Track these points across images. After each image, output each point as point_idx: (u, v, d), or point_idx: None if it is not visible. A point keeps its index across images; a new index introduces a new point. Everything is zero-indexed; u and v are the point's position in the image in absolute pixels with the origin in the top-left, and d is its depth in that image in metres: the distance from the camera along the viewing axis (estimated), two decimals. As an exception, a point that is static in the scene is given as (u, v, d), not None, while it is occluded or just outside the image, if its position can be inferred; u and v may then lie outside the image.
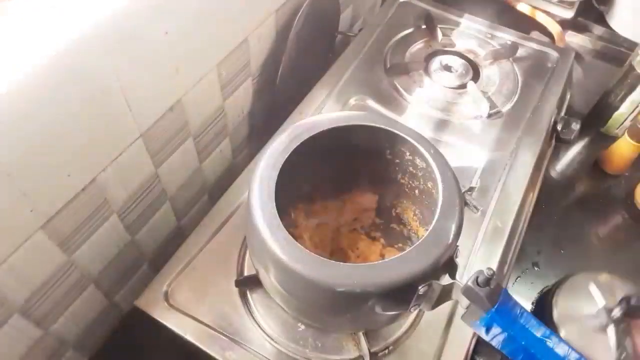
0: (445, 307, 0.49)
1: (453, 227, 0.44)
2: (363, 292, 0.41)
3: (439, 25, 0.87)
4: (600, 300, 0.64)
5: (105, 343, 0.62)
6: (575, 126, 0.79)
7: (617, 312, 0.61)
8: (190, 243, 0.59)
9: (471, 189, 0.66)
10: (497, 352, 0.41)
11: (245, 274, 0.57)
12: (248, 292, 0.56)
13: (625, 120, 0.89)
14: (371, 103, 0.76)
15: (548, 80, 0.82)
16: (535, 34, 1.05)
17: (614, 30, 1.03)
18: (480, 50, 0.85)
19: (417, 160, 0.52)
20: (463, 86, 0.79)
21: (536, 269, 0.74)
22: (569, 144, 0.84)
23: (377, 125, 0.51)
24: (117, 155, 0.51)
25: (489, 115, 0.75)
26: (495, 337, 0.40)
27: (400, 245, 0.60)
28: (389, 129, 0.51)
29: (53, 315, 0.52)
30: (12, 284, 0.44)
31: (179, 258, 0.58)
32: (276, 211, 0.43)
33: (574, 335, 0.61)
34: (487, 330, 0.40)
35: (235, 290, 0.56)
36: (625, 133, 0.82)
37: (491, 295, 0.39)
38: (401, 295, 0.42)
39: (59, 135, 0.43)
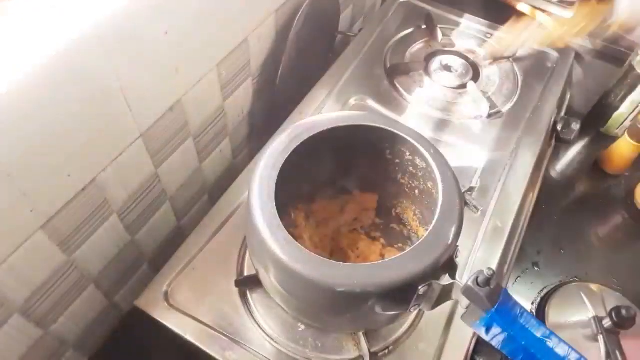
0: (445, 307, 0.49)
1: (453, 227, 0.44)
2: (363, 292, 0.41)
3: (439, 25, 0.87)
4: (590, 311, 0.64)
5: (105, 343, 0.62)
6: (575, 126, 0.79)
7: (607, 323, 0.61)
8: (190, 243, 0.59)
9: (471, 189, 0.66)
10: (497, 352, 0.41)
11: (245, 274, 0.57)
12: (248, 292, 0.56)
13: (625, 120, 0.89)
14: (371, 103, 0.76)
15: (548, 80, 0.82)
16: (535, 34, 1.05)
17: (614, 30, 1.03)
18: (480, 50, 0.85)
19: (417, 160, 0.52)
20: (463, 86, 0.79)
21: (536, 269, 0.74)
22: (569, 144, 0.84)
23: (377, 125, 0.51)
24: (117, 155, 0.51)
25: (489, 115, 0.75)
26: (495, 337, 0.40)
27: (400, 245, 0.60)
28: (389, 129, 0.51)
29: (53, 315, 0.52)
30: (12, 284, 0.44)
31: (179, 258, 0.58)
32: (276, 211, 0.43)
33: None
34: (487, 330, 0.40)
35: (235, 290, 0.56)
36: (625, 133, 0.82)
37: (491, 295, 0.39)
38: (401, 295, 0.42)
39: (59, 135, 0.43)
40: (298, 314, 0.52)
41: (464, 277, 0.56)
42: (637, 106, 0.86)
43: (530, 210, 0.72)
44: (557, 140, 0.81)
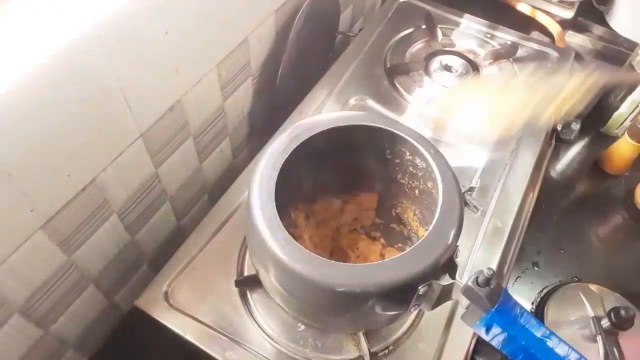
0: (445, 307, 0.49)
1: (453, 227, 0.44)
2: (363, 292, 0.41)
3: (439, 25, 0.87)
4: (589, 311, 0.64)
5: (105, 343, 0.62)
6: (575, 126, 0.79)
7: (605, 323, 0.61)
8: (190, 243, 0.59)
9: (471, 189, 0.66)
10: (497, 352, 0.41)
11: (245, 274, 0.57)
12: (248, 292, 0.56)
13: (625, 120, 0.89)
14: (371, 103, 0.76)
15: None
16: (535, 34, 1.05)
17: (614, 30, 1.03)
18: (480, 50, 0.85)
19: (417, 160, 0.52)
20: (463, 86, 0.79)
21: (536, 269, 0.74)
22: (569, 144, 0.84)
23: (377, 125, 0.51)
24: (117, 155, 0.51)
25: (489, 115, 0.75)
26: (495, 337, 0.40)
27: (400, 245, 0.60)
28: (389, 129, 0.51)
29: (53, 315, 0.52)
30: (12, 284, 0.44)
31: (179, 258, 0.58)
32: (276, 211, 0.43)
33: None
34: (487, 330, 0.40)
35: (235, 290, 0.56)
36: (625, 133, 0.82)
37: (491, 295, 0.39)
38: (401, 295, 0.42)
39: (59, 135, 0.43)
40: (298, 314, 0.52)
41: (464, 277, 0.56)
42: (637, 106, 0.86)
43: (530, 210, 0.72)
44: (557, 140, 0.81)
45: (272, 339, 0.53)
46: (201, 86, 0.60)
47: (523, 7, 1.10)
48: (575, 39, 1.09)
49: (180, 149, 0.62)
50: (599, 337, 0.61)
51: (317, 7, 0.76)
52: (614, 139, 0.86)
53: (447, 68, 0.81)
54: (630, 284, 0.72)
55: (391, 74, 0.80)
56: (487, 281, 0.39)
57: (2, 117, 0.37)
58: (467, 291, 0.40)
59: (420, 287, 0.41)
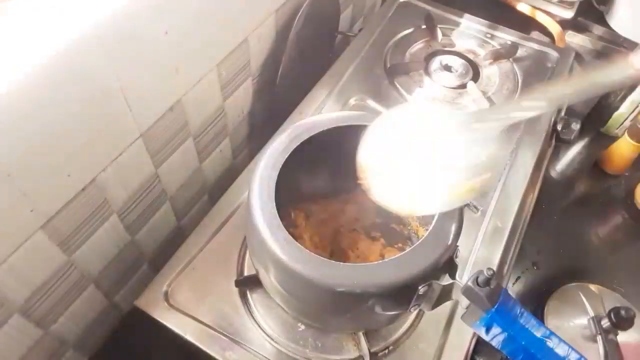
0: (445, 307, 0.49)
1: (453, 227, 0.44)
2: (363, 292, 0.41)
3: (439, 25, 0.87)
4: (589, 311, 0.64)
5: (105, 343, 0.62)
6: (575, 126, 0.79)
7: (605, 323, 0.61)
8: (190, 243, 0.59)
9: (471, 189, 0.65)
10: (497, 352, 0.41)
11: (245, 274, 0.57)
12: (248, 292, 0.56)
13: (625, 120, 0.89)
14: (371, 103, 0.76)
15: (548, 80, 0.82)
16: (535, 34, 1.05)
17: (614, 30, 1.03)
18: (480, 50, 0.85)
19: (417, 160, 0.52)
20: (463, 86, 0.79)
21: (536, 269, 0.74)
22: (569, 144, 0.84)
23: (377, 125, 0.51)
24: (117, 155, 0.51)
25: (489, 115, 0.75)
26: (495, 337, 0.40)
27: (400, 245, 0.60)
28: (389, 129, 0.51)
29: (53, 315, 0.52)
30: (12, 284, 0.44)
31: (179, 258, 0.58)
32: (276, 211, 0.43)
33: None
34: (487, 330, 0.40)
35: (235, 290, 0.55)
36: (625, 133, 0.82)
37: (491, 295, 0.39)
38: (401, 295, 0.42)
39: (59, 135, 0.43)
40: (298, 314, 0.52)
41: (464, 277, 0.56)
42: (637, 106, 0.86)
43: (530, 210, 0.72)
44: (557, 140, 0.81)
45: (272, 339, 0.53)
46: (201, 86, 0.60)
47: (523, 7, 1.10)
48: (575, 39, 1.09)
49: (180, 149, 0.62)
50: (599, 337, 0.61)
51: (317, 7, 0.76)
52: (614, 139, 0.86)
53: (447, 68, 0.81)
54: (630, 284, 0.72)
55: (391, 74, 0.80)
56: (487, 281, 0.39)
57: (2, 117, 0.37)
58: (467, 291, 0.40)
59: (420, 287, 0.41)
